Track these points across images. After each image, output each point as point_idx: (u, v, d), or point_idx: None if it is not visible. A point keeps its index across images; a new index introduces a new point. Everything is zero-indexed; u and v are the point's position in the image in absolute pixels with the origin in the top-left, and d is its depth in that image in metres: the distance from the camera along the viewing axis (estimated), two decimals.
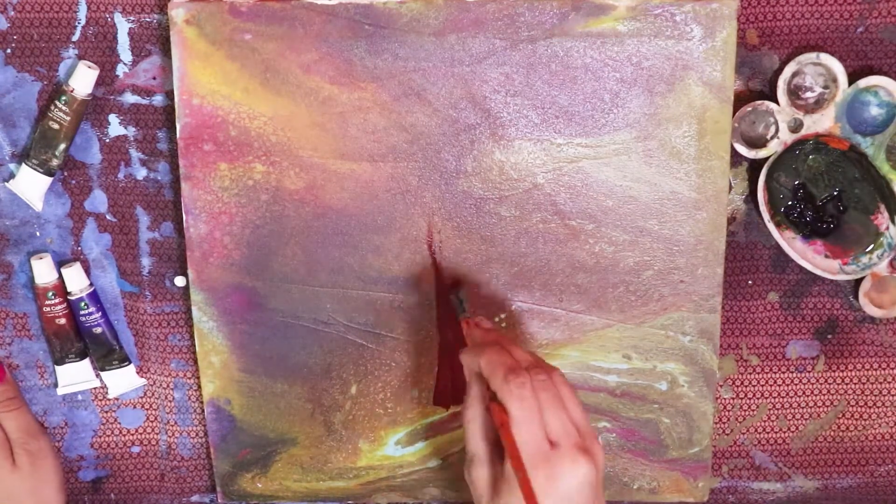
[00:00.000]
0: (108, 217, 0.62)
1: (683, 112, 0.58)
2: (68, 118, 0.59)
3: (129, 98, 0.60)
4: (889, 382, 0.64)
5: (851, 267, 0.60)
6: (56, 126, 0.59)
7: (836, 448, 0.65)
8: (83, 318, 0.62)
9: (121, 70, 0.60)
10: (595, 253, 0.60)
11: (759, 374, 0.64)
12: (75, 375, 0.64)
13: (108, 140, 0.61)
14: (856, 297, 0.62)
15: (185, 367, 0.64)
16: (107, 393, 0.64)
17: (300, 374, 0.62)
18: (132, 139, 0.61)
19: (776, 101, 0.58)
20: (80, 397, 0.65)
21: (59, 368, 0.63)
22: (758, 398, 0.64)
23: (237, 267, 0.61)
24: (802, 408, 0.64)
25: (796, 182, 0.61)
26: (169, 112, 0.61)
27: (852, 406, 0.64)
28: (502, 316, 0.61)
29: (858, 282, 0.61)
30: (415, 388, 0.63)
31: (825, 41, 0.59)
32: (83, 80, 0.59)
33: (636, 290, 0.61)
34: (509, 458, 0.48)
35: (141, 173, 0.61)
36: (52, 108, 0.59)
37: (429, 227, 0.60)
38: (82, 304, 0.62)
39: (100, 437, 0.66)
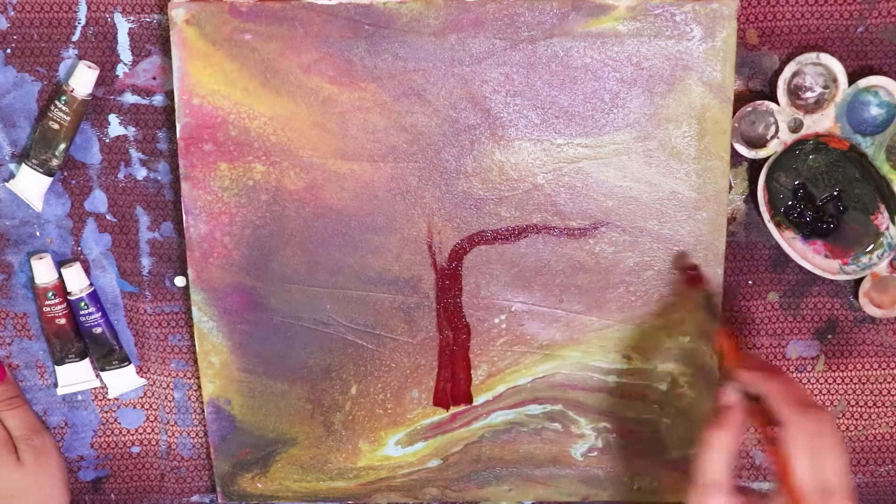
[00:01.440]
0: (108, 217, 0.62)
1: (683, 112, 0.58)
2: (68, 118, 0.59)
3: (129, 98, 0.60)
4: (889, 382, 0.64)
5: (851, 267, 0.60)
6: (56, 126, 0.59)
7: None
8: (83, 318, 0.62)
9: (121, 70, 0.60)
10: (595, 253, 0.60)
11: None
12: (75, 375, 0.64)
13: (108, 140, 0.61)
14: (856, 297, 0.62)
15: (185, 367, 0.64)
16: (107, 393, 0.64)
17: (300, 375, 0.62)
18: (132, 139, 0.61)
19: (776, 101, 0.58)
20: (80, 397, 0.65)
21: (59, 368, 0.63)
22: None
23: (237, 267, 0.61)
24: None
25: (796, 182, 0.61)
26: (169, 112, 0.61)
27: (852, 406, 0.64)
28: (502, 317, 0.61)
29: (858, 282, 0.61)
30: (415, 389, 0.63)
31: (825, 41, 0.59)
32: (83, 80, 0.59)
33: (636, 290, 0.61)
34: (786, 492, 0.47)
35: (141, 173, 0.61)
36: (52, 108, 0.59)
37: (429, 228, 0.60)
38: (82, 304, 0.62)
39: (100, 437, 0.66)
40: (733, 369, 0.53)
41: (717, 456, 0.50)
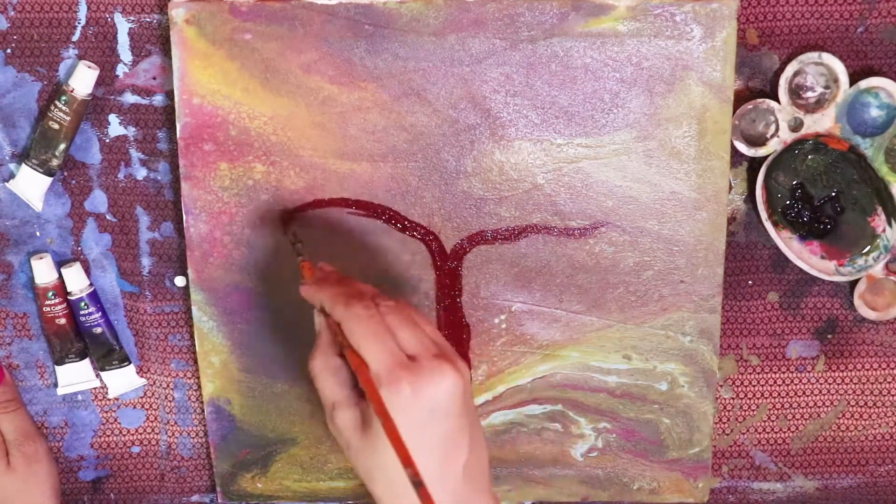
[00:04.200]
0: (108, 217, 0.62)
1: (683, 112, 0.58)
2: (68, 118, 0.59)
3: (129, 98, 0.60)
4: (889, 382, 0.64)
5: (847, 268, 0.60)
6: (56, 126, 0.59)
7: (836, 448, 0.65)
8: (83, 318, 0.62)
9: (121, 70, 0.60)
10: (595, 253, 0.60)
11: (759, 374, 0.64)
12: (75, 375, 0.64)
13: (108, 140, 0.61)
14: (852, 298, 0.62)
15: (185, 367, 0.64)
16: (107, 393, 0.64)
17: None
18: (132, 139, 0.61)
19: (777, 100, 0.58)
20: (80, 397, 0.65)
21: (59, 368, 0.63)
22: (758, 398, 0.64)
23: (237, 267, 0.61)
24: (802, 408, 0.64)
25: (795, 182, 0.61)
26: (169, 112, 0.61)
27: (852, 406, 0.64)
28: (502, 317, 0.61)
29: (855, 283, 0.61)
30: None
31: (825, 41, 0.59)
32: (83, 80, 0.59)
33: (636, 290, 0.61)
34: (362, 384, 0.45)
35: (141, 173, 0.61)
36: (52, 108, 0.59)
37: (429, 228, 0.60)
38: (82, 304, 0.62)
39: (100, 437, 0.66)
40: (301, 285, 0.52)
41: (324, 379, 0.49)
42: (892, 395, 0.64)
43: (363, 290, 0.50)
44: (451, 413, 0.46)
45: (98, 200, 0.62)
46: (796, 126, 0.58)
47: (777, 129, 0.59)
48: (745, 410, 0.64)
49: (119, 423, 0.65)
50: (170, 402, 0.65)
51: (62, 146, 0.60)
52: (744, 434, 0.65)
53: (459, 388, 0.46)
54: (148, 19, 0.59)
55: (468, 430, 0.47)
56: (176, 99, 0.58)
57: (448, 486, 0.47)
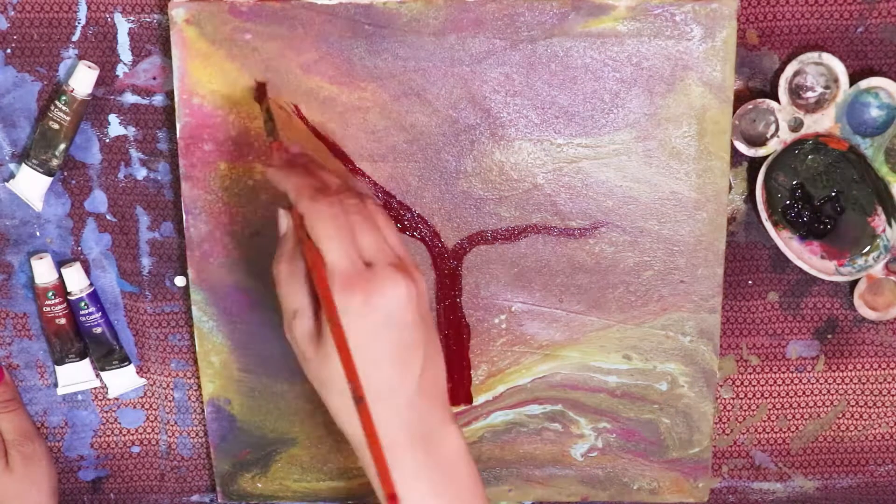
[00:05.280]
0: (108, 217, 0.62)
1: (683, 112, 0.58)
2: (68, 118, 0.59)
3: (129, 98, 0.60)
4: (889, 382, 0.64)
5: (847, 269, 0.60)
6: (56, 126, 0.59)
7: (836, 448, 0.65)
8: (83, 318, 0.62)
9: (121, 70, 0.60)
10: (595, 253, 0.60)
11: (759, 374, 0.64)
12: (75, 375, 0.64)
13: (108, 140, 0.61)
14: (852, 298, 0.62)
15: (185, 367, 0.64)
16: (107, 393, 0.64)
17: (300, 375, 0.62)
18: (132, 139, 0.61)
19: (777, 100, 0.58)
20: (80, 397, 0.65)
21: (59, 368, 0.63)
22: (758, 398, 0.64)
23: (237, 267, 0.61)
24: (802, 408, 0.64)
25: (795, 182, 0.61)
26: (169, 112, 0.61)
27: (852, 406, 0.64)
28: (502, 317, 0.61)
29: (854, 283, 0.61)
30: None
31: (825, 41, 0.59)
32: (83, 80, 0.59)
33: (636, 290, 0.61)
34: (315, 282, 0.44)
35: (141, 173, 0.61)
36: (52, 108, 0.59)
37: (429, 228, 0.60)
38: (82, 304, 0.62)
39: (100, 437, 0.66)
40: (267, 169, 0.50)
41: (288, 285, 0.48)
42: (892, 395, 0.64)
43: (329, 183, 0.48)
44: (404, 323, 0.45)
45: (98, 200, 0.62)
46: (796, 126, 0.58)
47: (777, 129, 0.59)
48: (745, 410, 0.64)
49: (119, 423, 0.65)
50: (170, 402, 0.65)
51: (62, 146, 0.60)
52: (744, 434, 0.65)
53: (414, 298, 0.45)
54: (148, 19, 0.59)
55: (423, 342, 0.46)
56: (176, 99, 0.58)
57: (401, 397, 0.46)
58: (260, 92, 0.58)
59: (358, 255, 0.45)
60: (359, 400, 0.42)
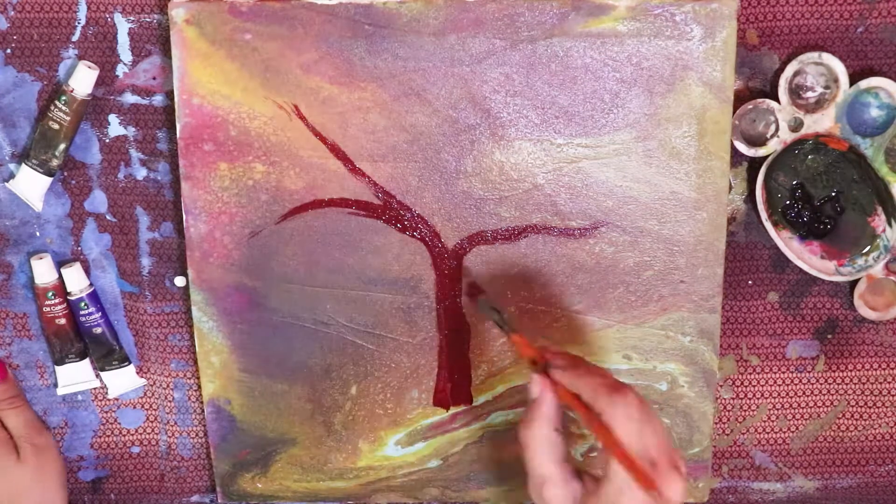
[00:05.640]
0: (108, 217, 0.62)
1: (683, 112, 0.58)
2: (68, 118, 0.59)
3: (129, 98, 0.60)
4: (889, 382, 0.64)
5: (847, 269, 0.60)
6: (56, 126, 0.59)
7: (836, 448, 0.65)
8: (83, 318, 0.62)
9: (121, 70, 0.60)
10: (595, 253, 0.60)
11: (759, 374, 0.64)
12: (75, 375, 0.64)
13: (108, 140, 0.61)
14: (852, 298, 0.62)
15: (185, 367, 0.64)
16: (107, 393, 0.64)
17: (300, 375, 0.62)
18: (132, 139, 0.61)
19: (777, 100, 0.58)
20: (80, 397, 0.65)
21: (59, 368, 0.63)
22: (758, 398, 0.64)
23: (237, 267, 0.61)
24: (802, 408, 0.64)
25: (795, 182, 0.61)
26: (169, 112, 0.61)
27: (852, 406, 0.64)
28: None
29: (854, 283, 0.61)
30: (415, 389, 0.63)
31: (825, 41, 0.59)
32: (83, 80, 0.59)
33: (636, 290, 0.61)
34: (630, 471, 0.47)
35: (141, 173, 0.61)
36: (52, 108, 0.59)
37: (429, 227, 0.60)
38: (82, 304, 0.62)
39: (100, 437, 0.66)
40: (543, 369, 0.53)
41: (537, 451, 0.51)
42: (892, 395, 0.64)
43: (613, 381, 0.51)
44: None
45: (98, 200, 0.62)
46: (796, 126, 0.58)
47: (777, 129, 0.59)
48: (745, 410, 0.64)
49: (119, 423, 0.65)
50: (170, 402, 0.65)
51: (62, 146, 0.60)
52: (744, 434, 0.65)
53: (684, 496, 0.49)
54: (148, 19, 0.59)
55: None
56: (176, 99, 0.58)
57: None
58: (473, 290, 0.59)
59: (647, 454, 0.48)
60: None
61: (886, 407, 0.64)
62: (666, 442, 0.50)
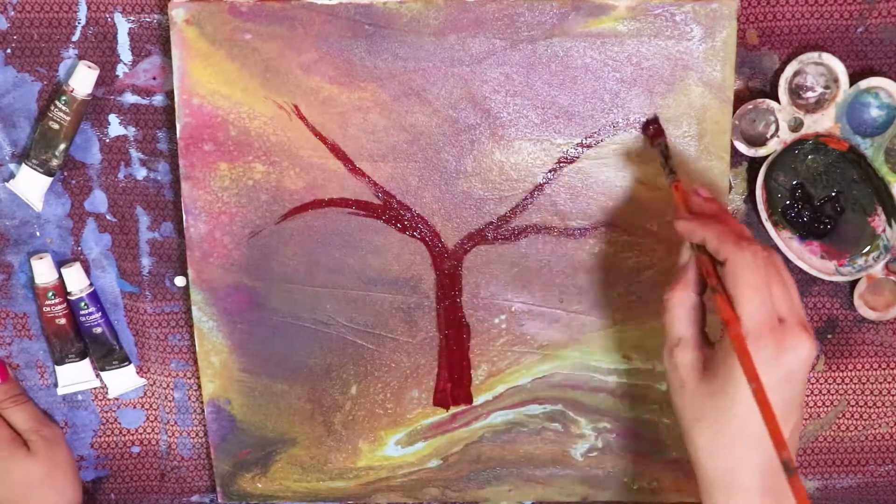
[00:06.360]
0: (108, 217, 0.62)
1: (683, 112, 0.58)
2: (68, 118, 0.59)
3: (129, 98, 0.60)
4: (889, 382, 0.64)
5: (847, 269, 0.60)
6: (56, 126, 0.59)
7: (836, 448, 0.65)
8: (83, 318, 0.62)
9: (121, 70, 0.60)
10: (595, 253, 0.60)
11: None
12: (75, 375, 0.64)
13: (108, 140, 0.61)
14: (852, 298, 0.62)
15: (185, 367, 0.64)
16: (107, 393, 0.64)
17: (300, 375, 0.62)
18: (132, 139, 0.61)
19: (777, 100, 0.58)
20: (80, 397, 0.65)
21: (59, 368, 0.63)
22: None
23: (237, 267, 0.61)
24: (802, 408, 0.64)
25: (795, 182, 0.61)
26: (169, 112, 0.61)
27: (852, 406, 0.64)
28: (502, 317, 0.61)
29: (854, 283, 0.61)
30: (415, 389, 0.63)
31: (825, 41, 0.59)
32: (83, 80, 0.59)
33: (636, 290, 0.61)
34: (729, 331, 0.46)
35: (141, 173, 0.61)
36: (52, 108, 0.59)
37: (429, 227, 0.60)
38: (82, 304, 0.62)
39: (100, 437, 0.66)
40: (679, 218, 0.52)
41: (677, 314, 0.51)
42: (892, 395, 0.64)
43: (744, 230, 0.50)
44: (799, 380, 0.48)
45: (98, 200, 0.62)
46: (796, 126, 0.58)
47: (777, 129, 0.59)
48: None
49: (119, 423, 0.65)
50: (170, 402, 0.65)
51: (62, 146, 0.60)
52: None
53: (811, 358, 0.48)
54: (148, 19, 0.59)
55: (801, 402, 0.49)
56: (176, 99, 0.58)
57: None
58: (656, 130, 0.58)
59: (773, 309, 0.47)
60: (793, 472, 0.43)
61: (886, 407, 0.64)
62: (795, 299, 0.48)
